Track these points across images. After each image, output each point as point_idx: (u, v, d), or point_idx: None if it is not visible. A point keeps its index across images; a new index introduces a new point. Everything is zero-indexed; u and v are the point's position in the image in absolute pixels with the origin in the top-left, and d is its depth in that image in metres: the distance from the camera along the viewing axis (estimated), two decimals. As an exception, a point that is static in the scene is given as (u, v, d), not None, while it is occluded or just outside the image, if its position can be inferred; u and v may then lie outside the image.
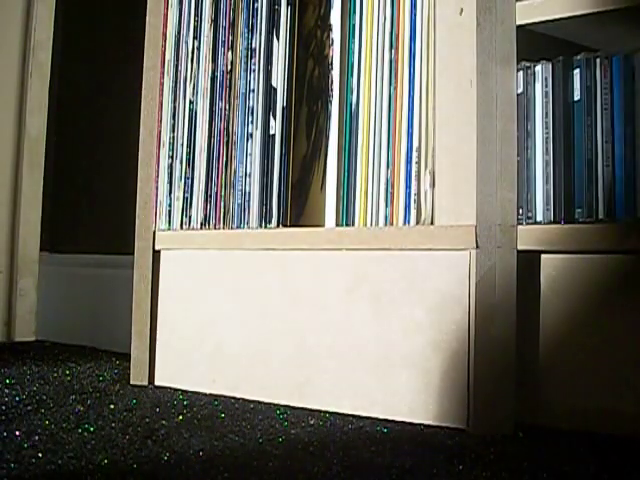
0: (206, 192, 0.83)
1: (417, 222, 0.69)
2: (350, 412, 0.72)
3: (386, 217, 0.71)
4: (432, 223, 0.69)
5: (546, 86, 0.68)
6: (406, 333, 0.70)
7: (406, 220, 0.70)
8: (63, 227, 1.36)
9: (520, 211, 0.68)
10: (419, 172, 0.70)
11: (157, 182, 0.87)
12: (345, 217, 0.74)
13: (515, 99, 0.68)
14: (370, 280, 0.72)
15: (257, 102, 0.80)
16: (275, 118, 0.78)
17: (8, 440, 0.59)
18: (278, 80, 0.78)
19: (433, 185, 0.70)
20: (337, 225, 0.74)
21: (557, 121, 0.68)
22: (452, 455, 0.57)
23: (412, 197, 0.70)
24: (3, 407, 0.72)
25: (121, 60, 1.25)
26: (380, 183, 0.72)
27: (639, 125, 0.64)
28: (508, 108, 0.68)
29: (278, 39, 0.79)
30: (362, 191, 0.73)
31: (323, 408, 0.74)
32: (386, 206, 0.71)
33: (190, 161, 0.85)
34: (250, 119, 0.80)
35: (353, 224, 0.73)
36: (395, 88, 0.72)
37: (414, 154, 0.70)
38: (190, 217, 0.84)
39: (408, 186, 0.70)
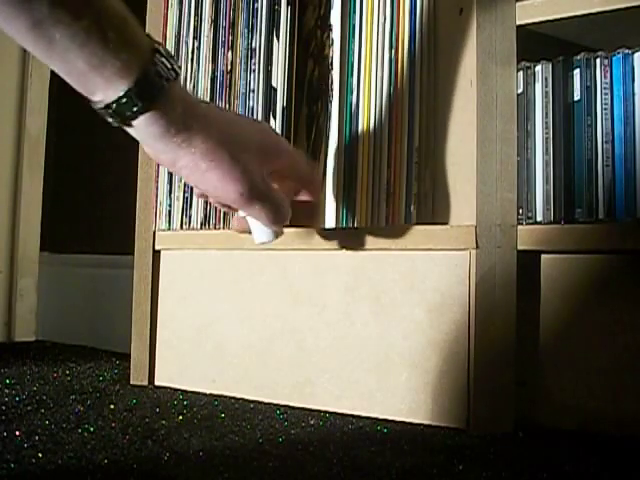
0: (206, 192, 0.83)
1: (417, 222, 0.69)
2: (350, 412, 0.72)
3: (386, 217, 0.71)
4: (432, 223, 0.69)
5: (546, 86, 0.68)
6: (406, 333, 0.70)
7: (406, 220, 0.70)
8: (63, 227, 1.36)
9: (520, 211, 0.68)
10: (419, 172, 0.70)
11: (157, 182, 0.87)
12: (345, 217, 0.74)
13: (515, 99, 0.68)
14: (370, 280, 0.72)
15: (257, 102, 0.80)
16: (275, 118, 0.78)
17: (8, 440, 0.59)
18: (278, 80, 0.78)
19: (433, 185, 0.70)
20: (337, 225, 0.74)
21: (557, 121, 0.68)
22: (452, 455, 0.57)
23: (412, 197, 0.70)
24: (3, 407, 0.72)
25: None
26: (380, 183, 0.72)
27: (639, 125, 0.64)
28: (508, 108, 0.68)
29: (278, 39, 0.79)
30: (362, 191, 0.73)
31: (323, 408, 0.74)
32: (386, 206, 0.71)
33: (190, 161, 0.85)
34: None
35: (353, 224, 0.73)
36: (395, 88, 0.72)
37: (414, 154, 0.70)
38: (190, 217, 0.84)
39: (408, 186, 0.70)
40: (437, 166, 0.70)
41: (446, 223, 0.68)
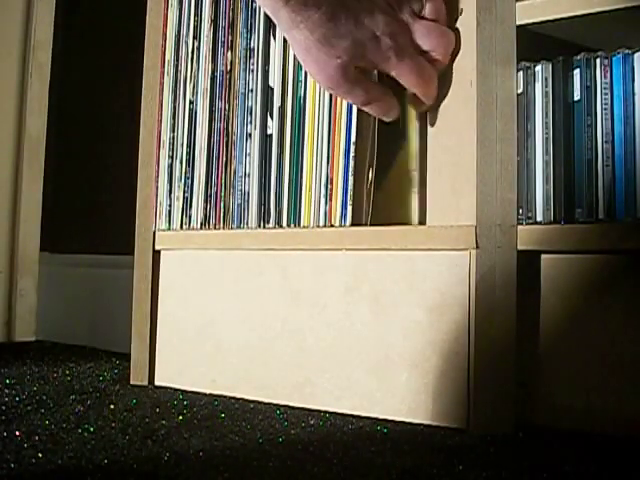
0: (206, 192, 0.83)
1: (353, 222, 0.70)
2: (350, 412, 0.72)
3: (325, 215, 0.71)
4: (370, 224, 0.70)
5: (546, 86, 0.68)
6: (406, 333, 0.70)
7: (343, 219, 0.70)
8: (63, 227, 1.36)
9: (520, 211, 0.68)
10: (356, 167, 0.70)
11: (157, 182, 0.87)
12: (293, 215, 0.74)
13: (515, 99, 0.68)
14: (370, 280, 0.72)
15: (255, 102, 0.80)
16: (272, 118, 0.78)
17: (8, 440, 0.59)
18: (275, 80, 0.78)
19: (423, 186, 0.70)
20: (285, 224, 0.75)
21: (557, 121, 0.68)
22: (452, 455, 0.57)
23: (349, 194, 0.69)
24: (3, 407, 0.72)
25: (121, 60, 1.25)
26: (321, 179, 0.72)
27: (639, 125, 0.64)
28: (508, 108, 0.68)
29: (275, 39, 0.79)
30: (307, 188, 0.73)
31: (323, 408, 0.74)
32: (325, 203, 0.71)
33: (190, 161, 0.85)
34: (249, 119, 0.80)
35: (299, 222, 0.74)
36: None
37: (351, 147, 0.70)
38: (190, 217, 0.84)
39: (345, 182, 0.70)
40: (437, 166, 0.70)
41: (446, 223, 0.68)
